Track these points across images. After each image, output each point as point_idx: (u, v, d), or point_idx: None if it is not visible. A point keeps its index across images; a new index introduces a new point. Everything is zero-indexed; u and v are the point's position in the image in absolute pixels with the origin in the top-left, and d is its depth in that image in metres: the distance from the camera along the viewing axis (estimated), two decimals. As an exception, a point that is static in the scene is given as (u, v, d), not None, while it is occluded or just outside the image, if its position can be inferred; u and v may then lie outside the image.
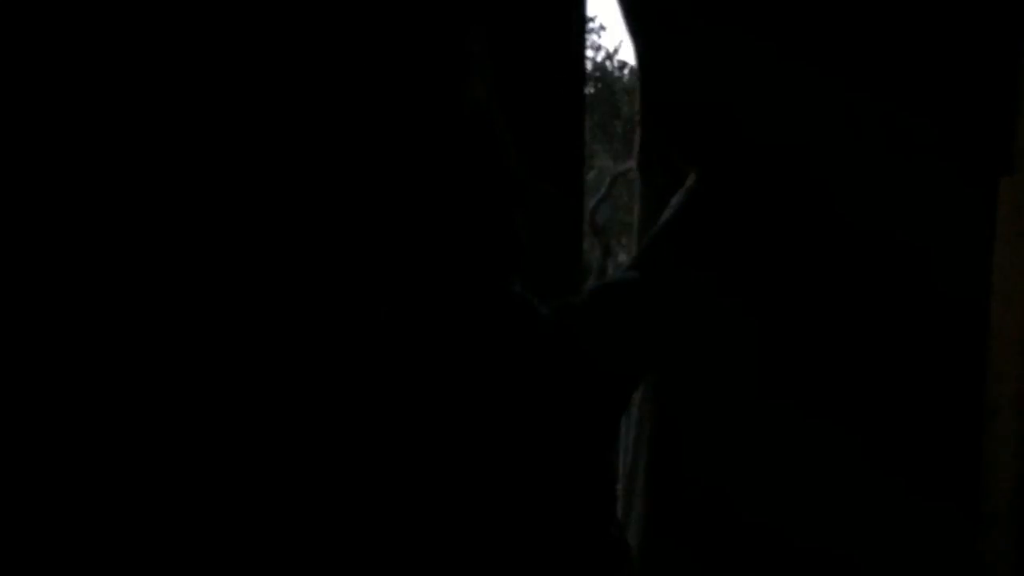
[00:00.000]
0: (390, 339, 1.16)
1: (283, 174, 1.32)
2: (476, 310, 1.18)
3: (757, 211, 1.60)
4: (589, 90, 13.81)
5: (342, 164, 1.28)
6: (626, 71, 14.27)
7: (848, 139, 1.60)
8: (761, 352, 1.62)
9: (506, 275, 1.22)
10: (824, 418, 1.61)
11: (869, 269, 1.60)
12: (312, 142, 1.31)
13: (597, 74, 14.16)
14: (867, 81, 1.58)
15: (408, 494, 1.15)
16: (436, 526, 1.16)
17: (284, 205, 1.31)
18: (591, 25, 13.99)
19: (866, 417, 1.62)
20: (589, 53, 14.08)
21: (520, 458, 1.18)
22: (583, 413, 1.23)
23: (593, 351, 1.25)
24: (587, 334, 1.25)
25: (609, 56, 14.51)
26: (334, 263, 1.25)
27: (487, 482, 1.16)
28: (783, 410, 1.62)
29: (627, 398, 1.35)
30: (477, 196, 1.17)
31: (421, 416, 1.15)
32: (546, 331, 1.22)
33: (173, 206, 1.30)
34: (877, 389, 1.63)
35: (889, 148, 1.60)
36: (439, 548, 1.16)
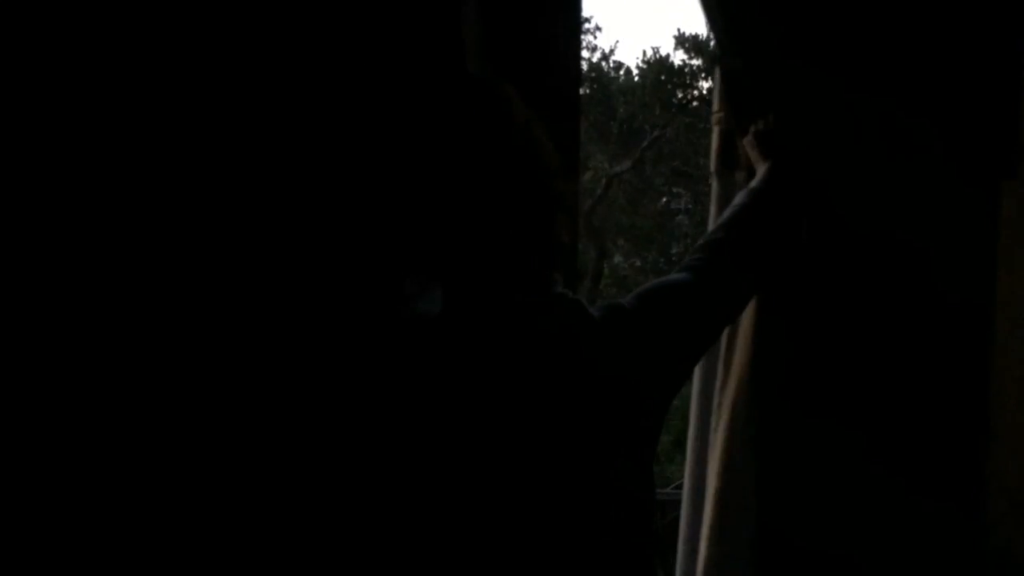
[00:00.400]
0: (439, 338, 1.16)
1: (318, 178, 1.32)
2: (526, 309, 1.18)
3: (807, 213, 1.61)
4: (584, 91, 13.85)
5: (373, 167, 1.28)
6: (621, 72, 14.32)
7: (868, 144, 1.60)
8: (797, 354, 1.62)
9: (550, 275, 1.21)
10: (834, 419, 1.60)
11: (876, 272, 1.60)
12: (340, 146, 1.32)
13: (593, 75, 14.17)
14: (877, 85, 1.58)
15: (444, 495, 1.14)
16: (463, 526, 1.14)
17: (319, 207, 1.32)
18: (587, 26, 13.99)
19: (874, 418, 1.62)
20: (585, 54, 14.10)
21: (564, 459, 1.16)
22: (632, 414, 1.21)
23: (643, 352, 1.23)
24: (638, 335, 1.23)
25: (605, 57, 14.53)
26: (368, 263, 1.26)
27: (529, 484, 1.14)
28: (810, 414, 1.61)
29: (672, 397, 1.32)
30: (522, 197, 1.16)
31: (465, 416, 1.14)
32: (598, 332, 1.21)
33: (174, 207, 1.30)
34: (885, 391, 1.62)
35: (893, 152, 1.60)
36: (465, 549, 1.14)
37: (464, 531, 1.14)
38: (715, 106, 1.75)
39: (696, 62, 13.86)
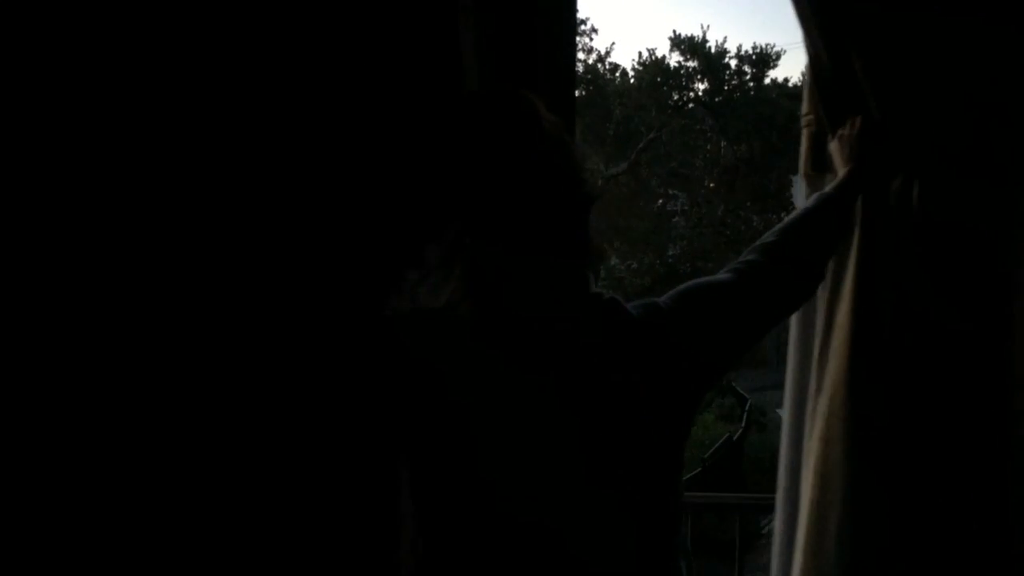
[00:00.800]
0: (473, 337, 1.17)
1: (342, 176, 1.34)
2: (565, 308, 1.19)
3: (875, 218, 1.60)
4: (580, 93, 13.89)
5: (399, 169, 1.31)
6: (617, 74, 14.35)
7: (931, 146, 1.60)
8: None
9: (585, 275, 1.22)
10: (928, 428, 1.58)
11: (927, 275, 1.58)
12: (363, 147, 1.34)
13: (588, 77, 14.19)
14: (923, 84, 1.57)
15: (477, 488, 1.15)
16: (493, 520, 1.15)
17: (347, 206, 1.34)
18: (583, 27, 14.01)
19: (897, 421, 1.60)
20: (581, 55, 14.10)
21: (557, 459, 1.16)
22: (648, 415, 1.21)
23: (675, 352, 1.23)
24: (671, 335, 1.23)
25: (601, 59, 14.55)
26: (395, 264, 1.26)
27: (521, 483, 1.15)
28: (906, 422, 1.59)
29: (701, 396, 1.32)
30: (556, 201, 1.18)
31: (475, 413, 1.15)
32: (633, 331, 1.21)
33: (174, 206, 1.30)
34: (905, 394, 1.60)
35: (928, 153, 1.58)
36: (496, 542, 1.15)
37: (456, 529, 1.16)
38: (804, 108, 1.72)
39: (692, 64, 13.93)
